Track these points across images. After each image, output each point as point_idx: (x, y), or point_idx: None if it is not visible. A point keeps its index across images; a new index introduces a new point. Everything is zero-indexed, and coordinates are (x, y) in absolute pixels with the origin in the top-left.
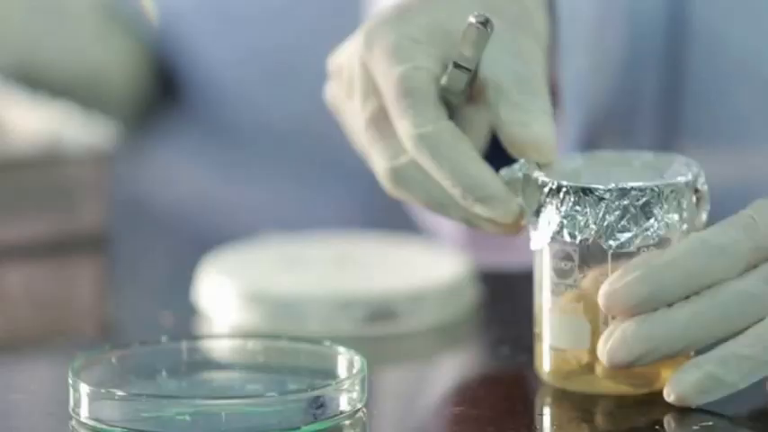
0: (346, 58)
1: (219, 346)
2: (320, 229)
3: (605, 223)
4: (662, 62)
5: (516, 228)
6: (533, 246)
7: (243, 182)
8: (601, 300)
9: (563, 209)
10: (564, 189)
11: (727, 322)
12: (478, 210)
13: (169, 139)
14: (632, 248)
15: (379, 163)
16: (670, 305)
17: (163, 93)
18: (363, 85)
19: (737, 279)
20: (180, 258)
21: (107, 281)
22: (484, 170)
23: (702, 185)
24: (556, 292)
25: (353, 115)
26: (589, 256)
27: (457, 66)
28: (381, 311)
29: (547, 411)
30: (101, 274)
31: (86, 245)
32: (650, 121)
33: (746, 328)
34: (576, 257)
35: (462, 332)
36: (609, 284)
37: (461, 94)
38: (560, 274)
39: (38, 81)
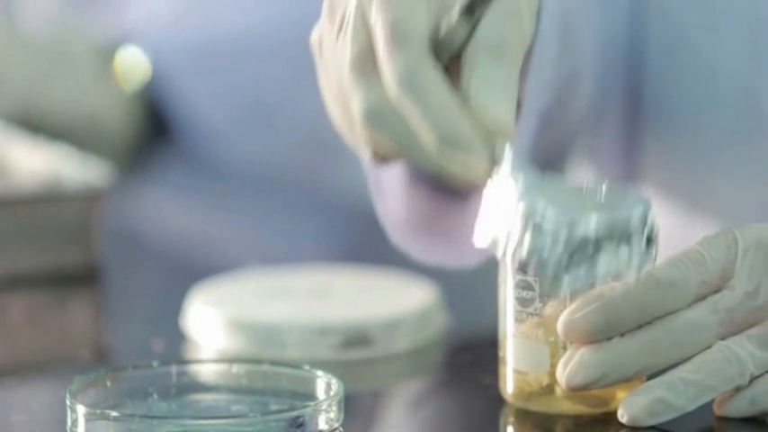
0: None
1: (207, 370)
2: (300, 263)
3: (557, 258)
4: (625, 78)
5: (483, 179)
6: (480, 243)
7: (228, 218)
8: (560, 328)
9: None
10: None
11: (675, 350)
12: (451, 159)
13: (160, 178)
14: (584, 284)
15: (359, 100)
16: (623, 334)
17: (154, 134)
18: (355, 23)
19: (686, 310)
20: (170, 289)
21: (102, 310)
22: (464, 121)
23: (653, 222)
24: (518, 319)
25: (337, 56)
26: (549, 286)
27: (464, 14)
28: (357, 338)
29: (510, 430)
30: (96, 304)
31: (83, 276)
32: (614, 134)
33: (694, 356)
34: (537, 288)
35: (432, 356)
36: (568, 314)
37: (452, 49)
38: (522, 303)
39: (38, 124)
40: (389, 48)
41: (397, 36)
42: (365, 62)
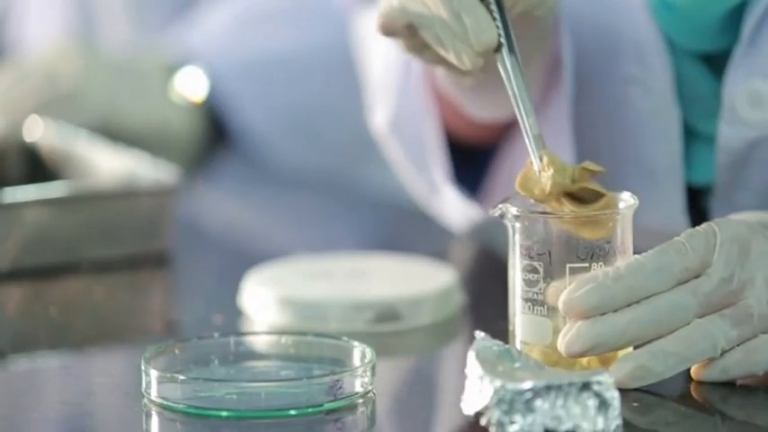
0: None
1: (260, 341)
2: (339, 250)
3: None
4: None
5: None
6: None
7: (278, 212)
8: (560, 305)
9: None
10: None
11: (658, 325)
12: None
13: (220, 178)
14: None
15: None
16: (615, 311)
17: (214, 141)
18: None
19: (669, 292)
20: (228, 272)
21: (171, 289)
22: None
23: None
24: (525, 298)
25: None
26: (552, 270)
27: None
28: (388, 313)
29: None
30: (167, 284)
31: (155, 261)
32: None
33: (674, 331)
34: (542, 271)
35: (452, 330)
36: (567, 294)
37: None
38: (529, 284)
39: (116, 133)
40: None
41: None
42: None
